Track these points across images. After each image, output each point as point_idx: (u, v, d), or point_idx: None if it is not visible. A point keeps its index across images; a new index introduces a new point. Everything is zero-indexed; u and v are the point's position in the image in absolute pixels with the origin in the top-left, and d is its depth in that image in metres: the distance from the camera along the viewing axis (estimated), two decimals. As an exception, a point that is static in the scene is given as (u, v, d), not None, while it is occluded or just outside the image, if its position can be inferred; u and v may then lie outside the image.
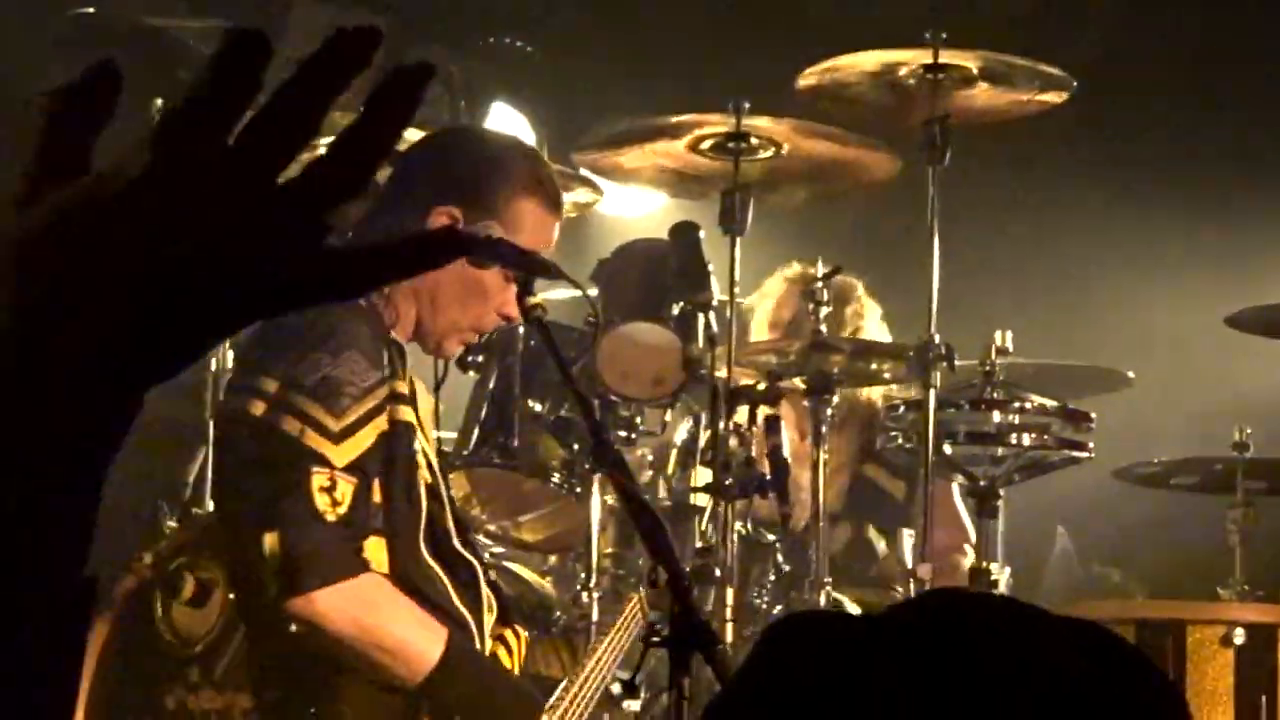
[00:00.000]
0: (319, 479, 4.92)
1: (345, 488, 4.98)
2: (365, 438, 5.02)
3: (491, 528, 6.13)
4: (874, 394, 7.19)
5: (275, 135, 1.25)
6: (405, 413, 5.06)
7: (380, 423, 5.06)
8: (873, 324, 7.17)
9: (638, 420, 6.11)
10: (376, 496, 4.98)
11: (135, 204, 1.24)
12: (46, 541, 1.25)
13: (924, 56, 6.37)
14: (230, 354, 6.63)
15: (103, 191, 1.25)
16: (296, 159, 1.26)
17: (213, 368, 6.70)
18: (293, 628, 4.88)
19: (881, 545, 7.17)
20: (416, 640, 4.96)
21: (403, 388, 5.08)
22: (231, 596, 5.91)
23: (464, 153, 5.39)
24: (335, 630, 4.85)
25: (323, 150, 1.27)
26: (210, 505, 6.41)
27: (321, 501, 4.94)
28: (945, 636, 1.51)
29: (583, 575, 5.90)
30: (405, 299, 5.21)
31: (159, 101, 6.20)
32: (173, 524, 6.36)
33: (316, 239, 1.26)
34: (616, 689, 5.23)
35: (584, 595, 5.90)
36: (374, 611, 4.98)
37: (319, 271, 1.29)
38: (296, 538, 4.88)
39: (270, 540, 4.86)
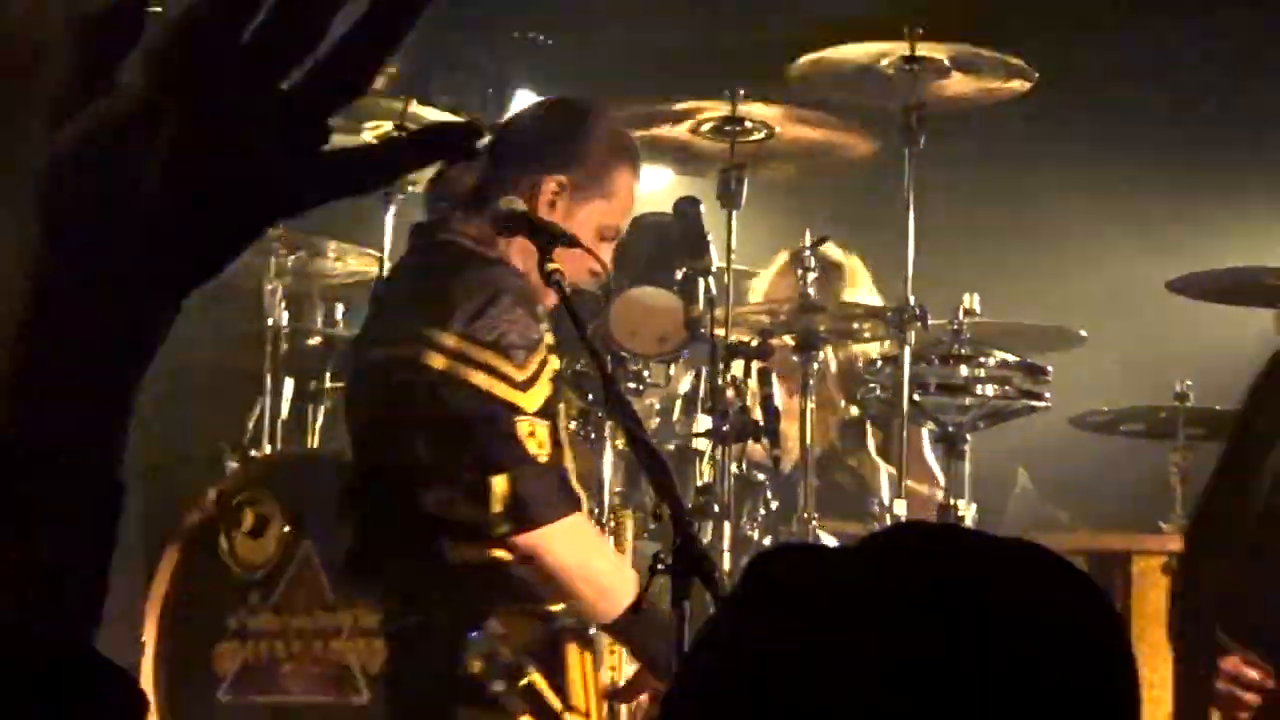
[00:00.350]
0: (523, 426, 4.91)
1: (542, 432, 4.97)
2: (545, 384, 5.00)
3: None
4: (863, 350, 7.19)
5: (279, 46, 1.21)
6: (555, 361, 5.06)
7: (551, 369, 5.06)
8: (864, 290, 7.17)
9: (645, 374, 6.07)
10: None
11: (149, 118, 1.20)
12: (83, 441, 1.22)
13: (902, 48, 6.40)
14: (285, 309, 6.72)
15: (119, 109, 1.21)
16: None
17: (269, 322, 6.71)
18: (494, 554, 4.83)
19: (850, 482, 7.21)
20: (619, 580, 4.97)
21: (550, 338, 5.05)
22: (288, 529, 6.19)
23: (572, 126, 5.27)
24: (557, 562, 4.88)
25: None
26: (268, 447, 6.62)
27: (531, 446, 4.94)
28: (910, 561, 1.50)
29: (595, 511, 5.82)
30: (519, 256, 5.13)
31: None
32: (234, 464, 6.45)
33: (317, 142, 1.23)
34: None
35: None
36: (589, 547, 5.03)
37: (323, 173, 1.25)
38: (523, 479, 4.84)
39: (499, 482, 4.80)
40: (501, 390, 4.91)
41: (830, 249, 6.97)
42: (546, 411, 4.95)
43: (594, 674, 5.09)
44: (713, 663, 1.53)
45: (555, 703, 4.94)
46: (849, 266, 7.20)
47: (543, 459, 4.94)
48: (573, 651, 5.02)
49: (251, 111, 1.21)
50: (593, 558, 5.05)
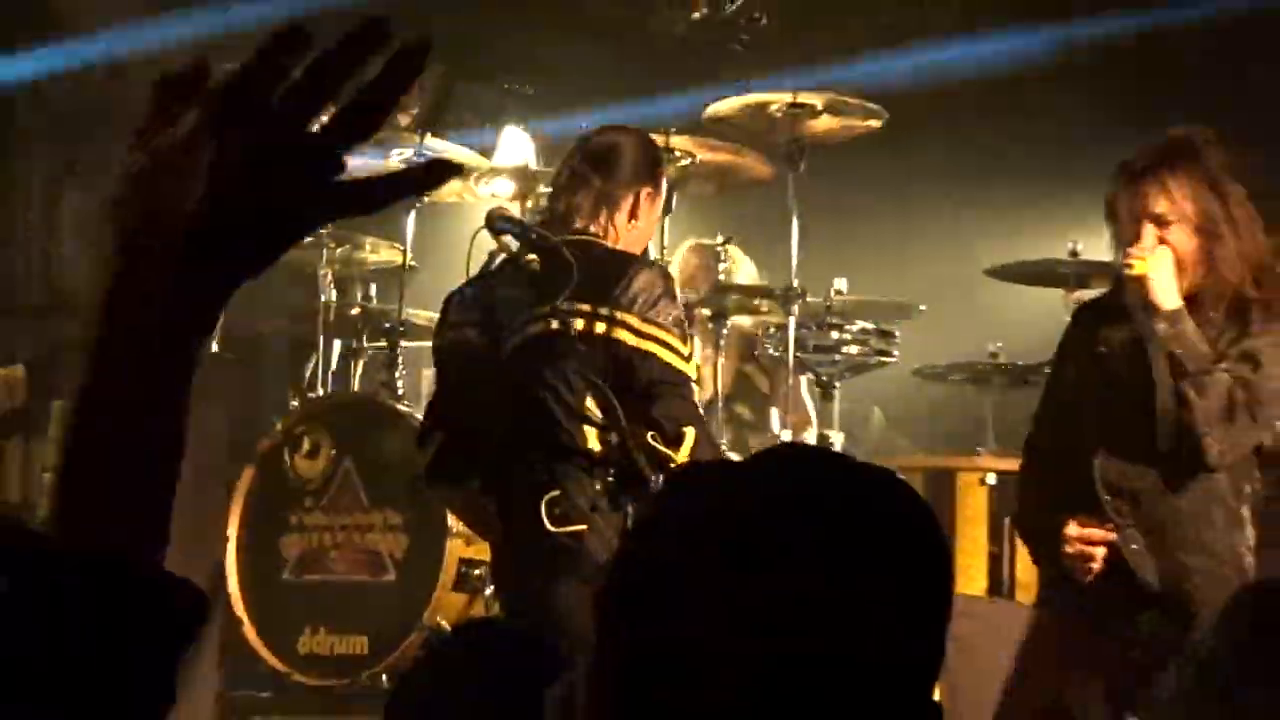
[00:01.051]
0: (694, 390, 4.85)
1: (698, 394, 4.99)
2: (694, 358, 4.98)
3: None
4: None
5: (305, 98, 1.19)
6: None
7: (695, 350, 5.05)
8: (747, 274, 6.96)
9: None
10: None
11: (196, 147, 1.18)
12: (154, 402, 1.19)
13: (787, 97, 6.41)
14: (333, 288, 6.56)
15: (174, 139, 1.19)
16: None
17: (322, 298, 6.66)
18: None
19: (750, 416, 7.03)
20: None
21: None
22: (334, 452, 6.24)
23: (647, 148, 5.13)
24: None
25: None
26: (321, 391, 6.55)
27: (698, 406, 4.91)
28: (789, 470, 1.49)
29: None
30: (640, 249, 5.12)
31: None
32: (295, 404, 6.45)
33: (334, 172, 1.21)
34: None
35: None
36: None
37: (337, 197, 1.22)
38: (702, 430, 4.72)
39: (690, 433, 4.63)
40: (679, 363, 4.78)
41: (731, 246, 6.87)
42: (695, 379, 4.93)
43: None
44: (632, 547, 1.50)
45: None
46: (735, 257, 6.92)
47: (702, 415, 4.93)
48: None
49: (279, 147, 1.19)
50: None
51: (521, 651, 2.48)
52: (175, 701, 1.18)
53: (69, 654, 1.14)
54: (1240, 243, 4.35)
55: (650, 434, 4.66)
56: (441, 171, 1.25)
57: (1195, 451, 4.34)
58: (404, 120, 6.58)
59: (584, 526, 4.70)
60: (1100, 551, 4.40)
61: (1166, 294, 4.35)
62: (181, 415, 1.20)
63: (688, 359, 4.84)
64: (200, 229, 1.18)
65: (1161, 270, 4.33)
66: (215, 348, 6.47)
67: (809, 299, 6.47)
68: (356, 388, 6.88)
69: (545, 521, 4.69)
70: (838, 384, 6.61)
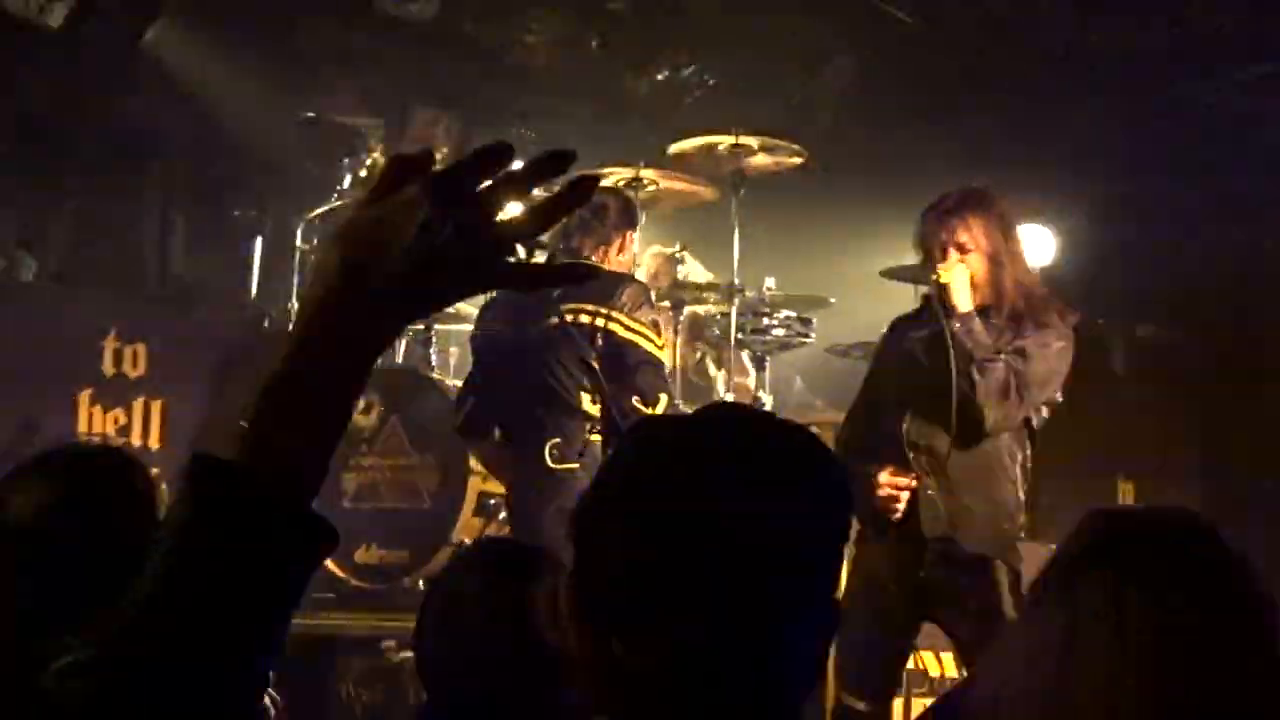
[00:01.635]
0: (664, 372, 5.18)
1: (667, 371, 5.28)
2: (666, 349, 5.34)
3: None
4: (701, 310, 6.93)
5: (499, 195, 1.19)
6: None
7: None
8: (697, 274, 6.93)
9: None
10: None
11: (412, 209, 1.19)
12: (331, 410, 1.20)
13: (730, 139, 6.46)
14: None
15: (399, 200, 1.20)
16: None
17: None
18: None
19: (700, 383, 6.96)
20: None
21: None
22: (383, 409, 6.29)
23: (624, 200, 5.55)
24: None
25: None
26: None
27: (668, 381, 5.27)
28: (727, 422, 1.46)
29: None
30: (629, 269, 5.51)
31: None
32: None
33: (504, 254, 1.20)
34: None
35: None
36: None
37: (502, 274, 1.21)
38: (672, 397, 5.07)
39: (664, 399, 4.97)
40: (655, 350, 5.11)
41: (686, 253, 6.88)
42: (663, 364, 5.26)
43: None
44: (595, 478, 1.45)
45: None
46: (689, 261, 6.91)
47: (671, 391, 5.28)
48: None
49: (471, 226, 1.19)
50: None
51: (521, 559, 2.47)
52: (299, 607, 1.20)
53: (245, 564, 1.15)
54: (1017, 271, 4.48)
55: (634, 398, 4.92)
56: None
57: (978, 420, 4.40)
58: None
59: (576, 465, 4.99)
60: (905, 495, 4.42)
61: (962, 299, 4.44)
62: (353, 399, 1.21)
63: (661, 348, 5.18)
64: (401, 271, 1.19)
65: (959, 281, 4.43)
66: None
67: (746, 293, 6.56)
68: (401, 360, 6.89)
69: (547, 459, 5.02)
70: (768, 358, 6.66)
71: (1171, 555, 1.70)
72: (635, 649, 1.31)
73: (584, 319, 5.10)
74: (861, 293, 6.92)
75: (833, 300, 6.91)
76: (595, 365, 4.97)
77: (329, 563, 6.03)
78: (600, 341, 5.06)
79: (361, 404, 6.07)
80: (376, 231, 1.19)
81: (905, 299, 6.29)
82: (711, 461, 1.38)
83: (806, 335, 6.64)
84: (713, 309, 6.75)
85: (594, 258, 5.27)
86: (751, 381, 6.80)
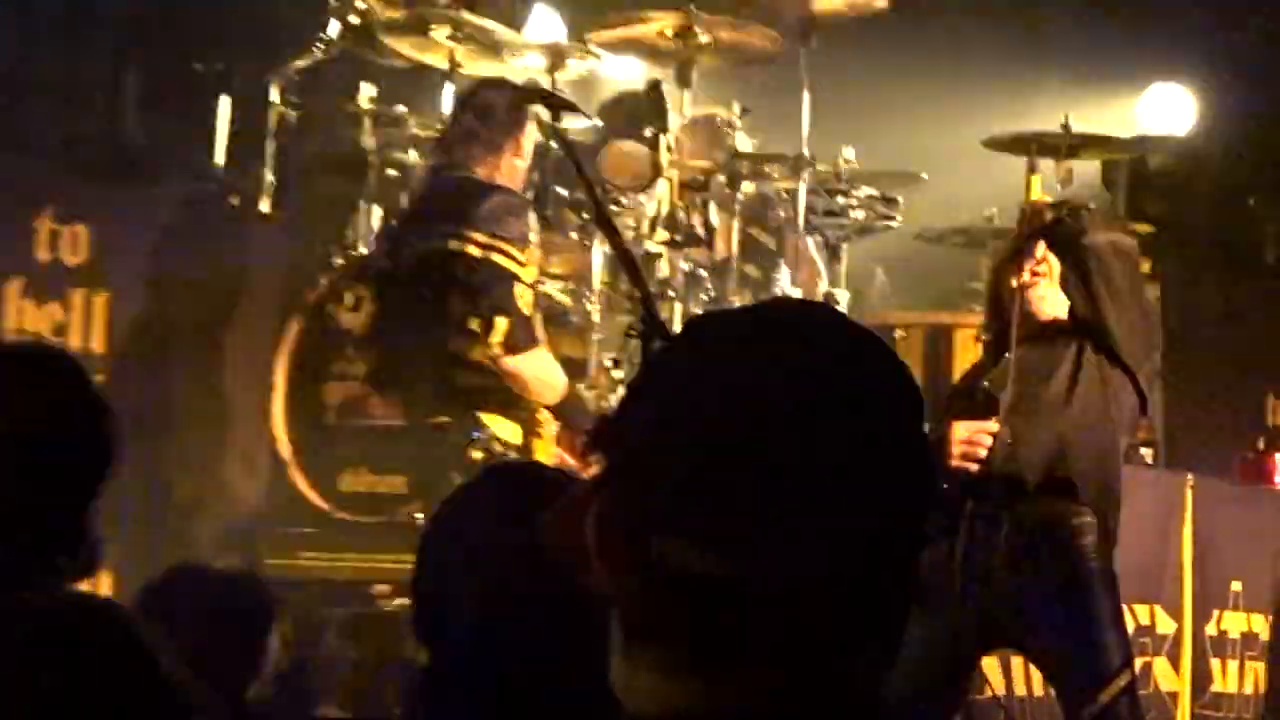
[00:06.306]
0: (519, 289, 5.56)
1: (529, 295, 5.61)
2: (533, 268, 5.66)
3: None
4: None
5: None
6: (538, 255, 5.73)
7: (536, 259, 5.68)
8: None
9: (624, 200, 6.26)
10: None
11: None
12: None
13: None
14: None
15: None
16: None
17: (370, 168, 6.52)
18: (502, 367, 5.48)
19: (758, 275, 6.82)
20: (558, 382, 5.59)
21: (536, 239, 5.69)
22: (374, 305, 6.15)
23: (512, 96, 5.86)
24: (527, 376, 5.54)
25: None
26: (364, 250, 6.36)
27: (522, 303, 5.57)
28: (790, 320, 1.47)
29: (586, 292, 6.08)
30: (513, 181, 5.82)
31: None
32: (340, 260, 6.34)
33: None
34: None
35: (586, 303, 6.09)
36: (544, 367, 5.57)
37: None
38: (517, 322, 5.54)
39: (501, 322, 5.52)
40: (512, 266, 5.52)
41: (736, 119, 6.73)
42: (533, 285, 5.60)
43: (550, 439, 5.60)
44: (643, 390, 1.46)
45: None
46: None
47: (526, 312, 5.56)
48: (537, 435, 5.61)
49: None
50: (548, 372, 5.55)
51: (539, 485, 2.44)
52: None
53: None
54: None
55: (473, 319, 5.54)
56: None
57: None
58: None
59: None
60: (986, 440, 4.68)
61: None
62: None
63: (523, 264, 5.57)
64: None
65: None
66: (267, 209, 6.58)
67: (819, 167, 6.55)
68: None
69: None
70: (844, 245, 6.76)
71: None
72: (715, 560, 1.33)
73: (448, 245, 5.61)
74: (960, 166, 6.98)
75: (924, 176, 6.92)
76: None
77: (308, 491, 6.07)
78: (461, 268, 5.54)
79: (349, 298, 6.23)
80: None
81: (1015, 175, 6.50)
82: (779, 366, 1.38)
83: (891, 218, 6.70)
84: (778, 185, 6.75)
85: (481, 171, 5.66)
86: (824, 272, 6.83)
